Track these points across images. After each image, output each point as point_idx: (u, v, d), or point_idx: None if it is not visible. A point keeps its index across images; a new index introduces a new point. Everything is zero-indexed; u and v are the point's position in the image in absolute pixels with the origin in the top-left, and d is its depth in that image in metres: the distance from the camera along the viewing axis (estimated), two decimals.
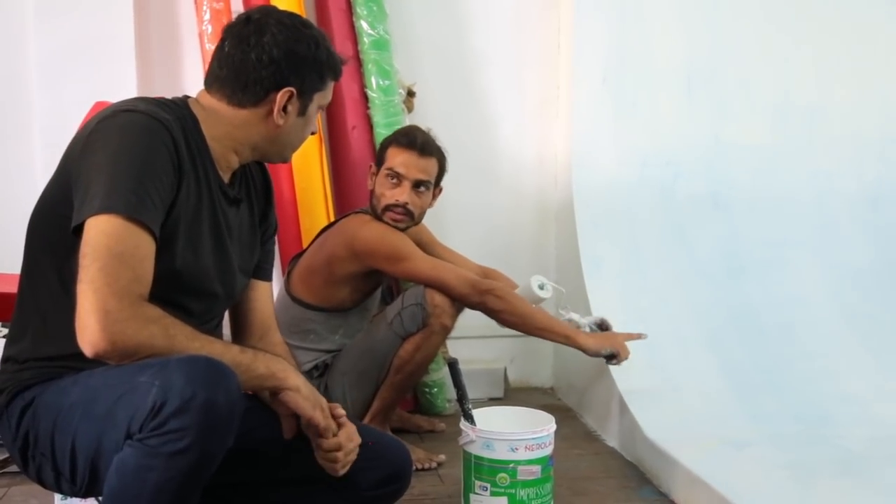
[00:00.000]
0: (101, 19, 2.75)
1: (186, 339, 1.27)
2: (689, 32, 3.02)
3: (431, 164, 2.41)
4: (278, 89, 1.44)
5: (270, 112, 1.46)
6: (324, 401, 1.41)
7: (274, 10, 1.51)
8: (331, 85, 1.53)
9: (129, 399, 1.22)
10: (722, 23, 3.03)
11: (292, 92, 1.45)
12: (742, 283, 2.88)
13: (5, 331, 2.18)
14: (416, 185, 2.38)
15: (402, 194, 2.37)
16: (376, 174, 2.43)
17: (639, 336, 2.38)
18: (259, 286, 1.66)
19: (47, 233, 1.38)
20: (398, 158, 2.38)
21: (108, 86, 2.63)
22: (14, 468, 2.16)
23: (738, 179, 3.01)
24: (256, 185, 1.62)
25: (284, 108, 1.46)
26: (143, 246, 1.28)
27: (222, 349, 1.30)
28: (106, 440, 1.25)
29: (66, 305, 1.28)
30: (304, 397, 1.38)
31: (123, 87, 2.66)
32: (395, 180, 2.37)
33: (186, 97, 1.49)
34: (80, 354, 1.27)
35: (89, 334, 1.21)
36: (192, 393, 1.18)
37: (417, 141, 2.40)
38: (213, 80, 1.47)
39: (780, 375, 2.63)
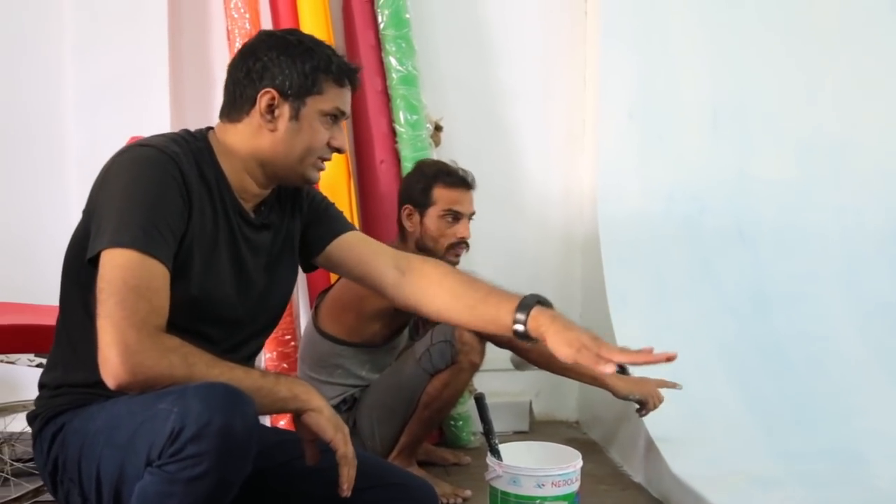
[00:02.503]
0: (136, 56, 2.81)
1: (206, 367, 1.28)
2: (715, 67, 3.03)
3: (473, 195, 2.54)
4: (257, 93, 1.46)
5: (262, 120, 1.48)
6: (346, 427, 1.41)
7: (264, 31, 1.56)
8: (334, 90, 1.50)
9: (149, 426, 1.23)
10: (748, 58, 3.04)
11: (272, 93, 1.46)
12: (769, 318, 2.87)
13: (39, 360, 2.24)
14: (470, 217, 2.51)
15: (466, 230, 2.48)
16: (417, 214, 2.47)
17: (673, 385, 2.36)
18: (350, 238, 1.63)
19: (75, 265, 1.42)
20: (453, 197, 2.47)
21: (142, 121, 2.68)
22: (46, 497, 2.19)
23: (765, 214, 3.00)
24: (290, 204, 1.61)
25: (271, 111, 1.46)
26: (157, 278, 1.30)
27: (243, 375, 1.31)
28: (128, 467, 1.27)
29: (92, 334, 1.31)
30: (327, 419, 1.37)
31: (157, 122, 2.72)
32: (452, 219, 2.44)
33: (209, 129, 1.53)
34: None
35: (111, 367, 1.24)
36: (209, 418, 1.19)
37: (467, 177, 2.51)
38: (221, 107, 1.53)
39: (809, 412, 2.61)
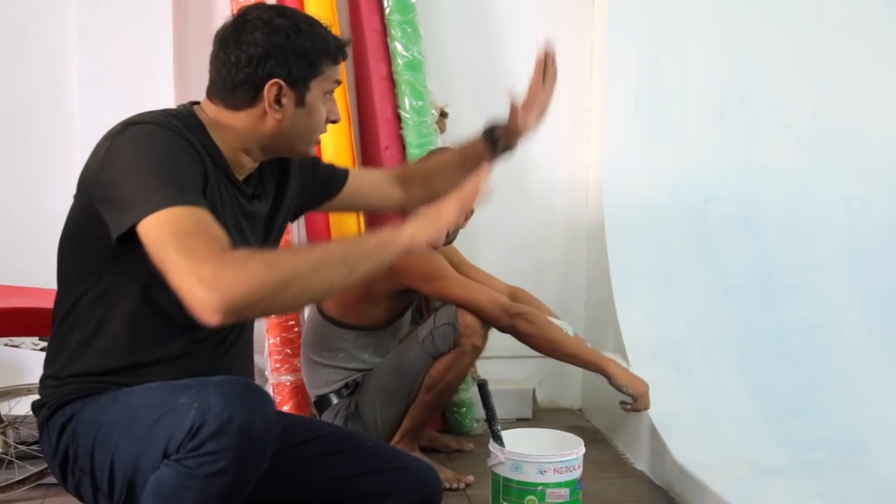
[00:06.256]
0: (141, 39, 2.80)
1: (291, 259, 1.25)
2: (723, 56, 3.02)
3: None
4: (264, 84, 1.44)
5: (266, 109, 1.46)
6: (446, 207, 1.41)
7: (254, 7, 1.50)
8: (331, 68, 1.51)
9: (167, 420, 1.24)
10: (755, 46, 3.02)
11: (279, 84, 1.44)
12: (774, 307, 2.86)
13: (43, 343, 2.24)
14: None
15: None
16: None
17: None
18: (354, 176, 1.79)
19: (78, 255, 1.41)
20: None
21: (147, 105, 2.64)
22: (50, 479, 2.20)
23: (771, 203, 2.99)
24: (274, 173, 1.62)
25: (278, 102, 1.45)
26: (201, 214, 1.27)
27: (323, 251, 1.29)
28: (144, 460, 1.28)
29: (101, 323, 1.31)
30: (426, 236, 1.37)
31: (161, 105, 2.66)
32: None
33: (192, 104, 1.51)
34: (118, 370, 1.29)
35: (202, 308, 1.19)
36: (230, 416, 1.20)
37: None
38: (211, 87, 1.50)
39: (813, 401, 2.61)
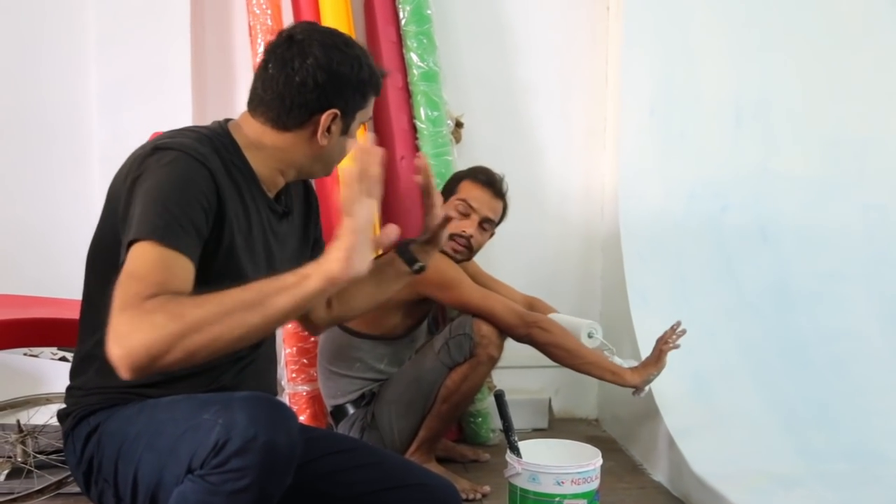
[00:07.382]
0: (160, 51, 2.83)
1: (196, 308, 1.18)
2: (738, 64, 3.01)
3: (500, 206, 2.50)
4: (323, 111, 1.45)
5: (314, 133, 1.46)
6: (345, 231, 1.26)
7: (316, 28, 1.50)
8: (372, 101, 1.53)
9: (192, 435, 1.24)
10: (771, 54, 3.02)
11: (336, 113, 1.45)
12: (791, 317, 2.85)
13: (62, 353, 2.26)
14: (483, 221, 2.45)
15: (471, 227, 2.43)
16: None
17: (675, 332, 2.41)
18: None
19: (102, 269, 1.40)
20: (473, 192, 2.46)
21: (164, 116, 2.70)
22: (68, 489, 2.21)
23: (788, 212, 2.98)
24: (299, 193, 1.63)
25: (328, 129, 1.46)
26: (171, 260, 1.25)
27: (238, 292, 1.20)
28: (167, 473, 1.28)
29: None
30: (339, 268, 1.22)
31: (179, 118, 2.73)
32: (462, 210, 2.44)
33: (227, 121, 1.51)
34: (145, 384, 1.30)
35: (115, 364, 1.17)
36: (255, 433, 1.20)
37: (495, 181, 2.49)
38: (258, 102, 1.47)
39: (831, 411, 2.59)
